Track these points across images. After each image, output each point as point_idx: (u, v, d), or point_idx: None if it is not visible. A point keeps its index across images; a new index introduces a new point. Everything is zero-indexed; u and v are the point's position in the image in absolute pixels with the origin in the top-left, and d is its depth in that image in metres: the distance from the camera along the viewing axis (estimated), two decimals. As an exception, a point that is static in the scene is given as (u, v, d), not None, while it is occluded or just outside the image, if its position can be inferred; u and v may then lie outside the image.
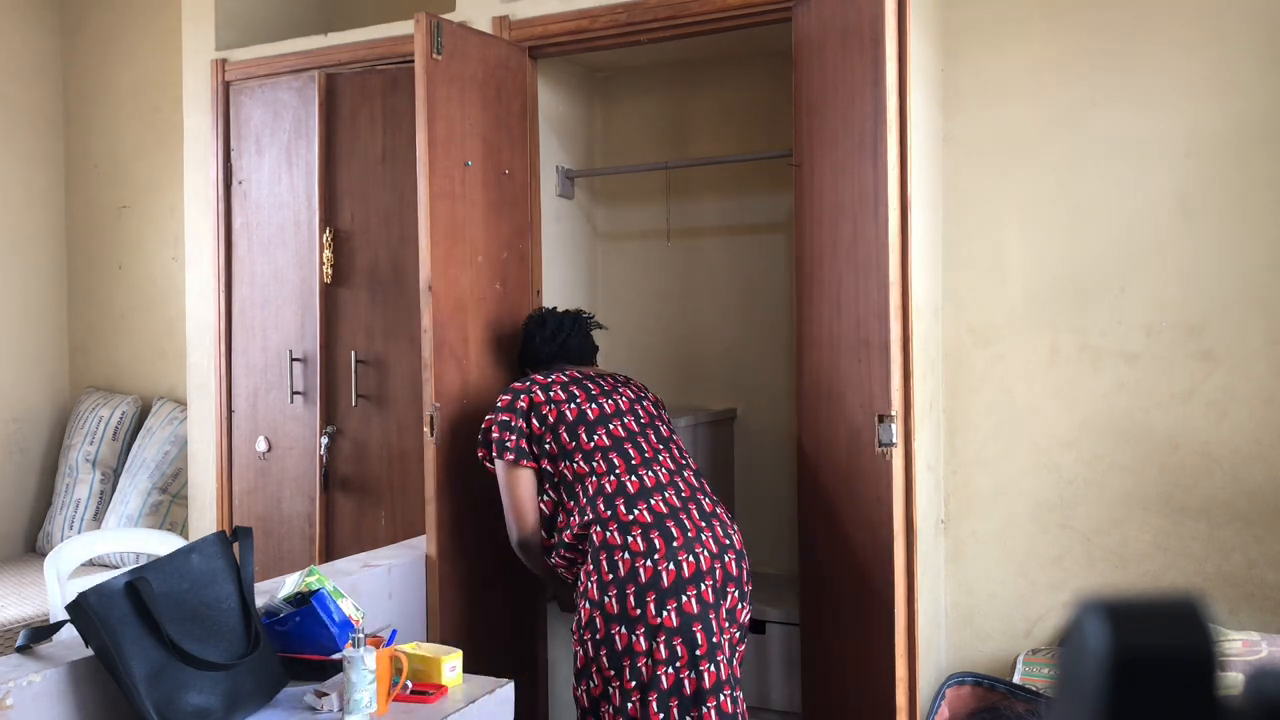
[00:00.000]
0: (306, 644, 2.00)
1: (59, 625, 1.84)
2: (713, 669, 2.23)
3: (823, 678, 2.63)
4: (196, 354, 3.69)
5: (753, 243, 3.43)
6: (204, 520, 3.65)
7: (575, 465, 2.44)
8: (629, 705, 2.23)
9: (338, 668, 1.97)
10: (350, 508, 3.35)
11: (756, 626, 2.88)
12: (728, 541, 2.37)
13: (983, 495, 2.76)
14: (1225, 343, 2.53)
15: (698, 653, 2.23)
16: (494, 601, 2.84)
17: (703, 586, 2.27)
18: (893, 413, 2.31)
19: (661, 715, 2.21)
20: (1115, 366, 2.63)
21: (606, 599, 2.27)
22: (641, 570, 2.26)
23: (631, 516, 2.33)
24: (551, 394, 2.52)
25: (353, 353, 3.34)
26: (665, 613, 2.23)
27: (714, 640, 2.25)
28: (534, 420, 2.50)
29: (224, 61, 3.60)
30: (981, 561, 2.77)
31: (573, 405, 2.51)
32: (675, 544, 2.29)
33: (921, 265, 2.53)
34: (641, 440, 2.50)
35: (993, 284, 2.75)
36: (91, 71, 4.50)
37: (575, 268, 3.47)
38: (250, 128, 3.57)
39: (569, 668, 2.36)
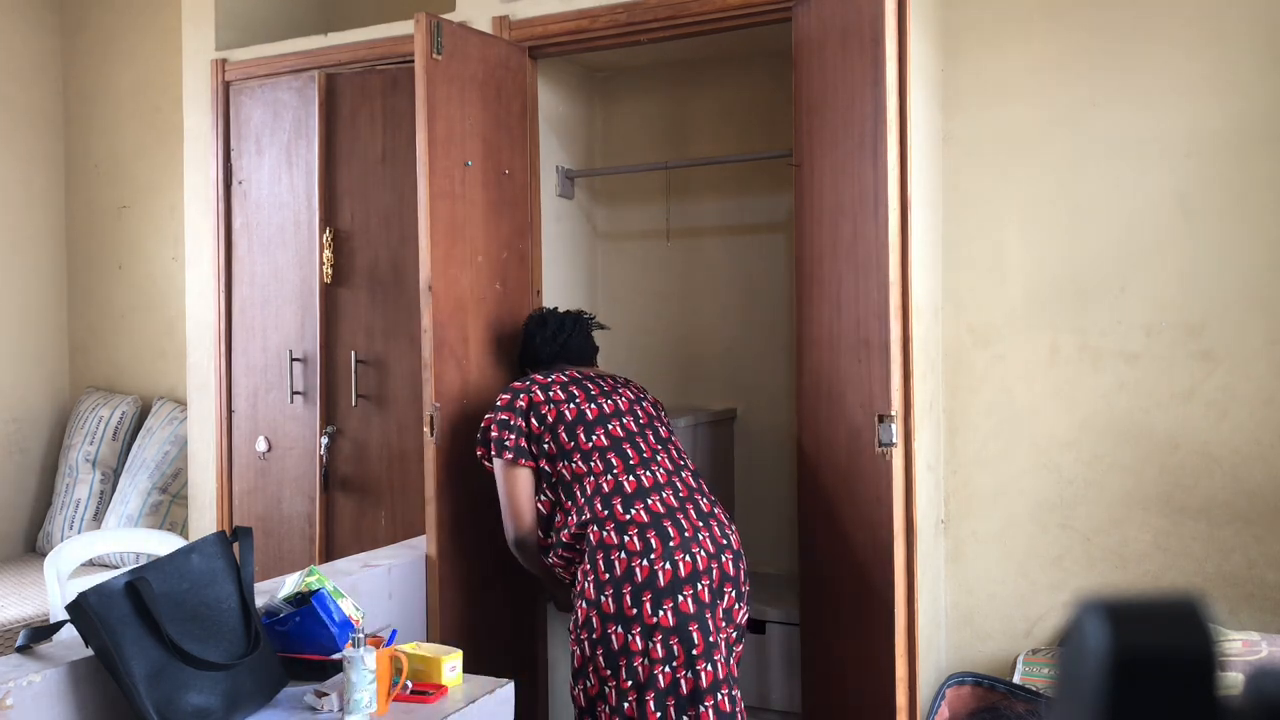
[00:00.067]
0: (306, 644, 2.00)
1: (59, 625, 1.84)
2: (710, 668, 2.23)
3: (823, 678, 2.63)
4: (196, 354, 3.69)
5: (753, 243, 3.43)
6: (204, 520, 3.65)
7: (573, 465, 2.44)
8: (625, 705, 2.23)
9: (338, 668, 1.97)
10: (350, 508, 3.35)
11: (756, 626, 2.88)
12: (725, 542, 2.37)
13: (983, 495, 2.76)
14: (1225, 343, 2.53)
15: (694, 652, 2.23)
16: (494, 601, 2.84)
17: (699, 586, 2.27)
18: (893, 413, 2.31)
19: (659, 714, 2.21)
20: (1115, 366, 2.63)
21: (603, 598, 2.27)
22: (638, 570, 2.26)
23: (628, 516, 2.33)
24: (551, 394, 2.53)
25: (353, 353, 3.34)
26: (661, 612, 2.23)
27: (710, 640, 2.25)
28: (533, 420, 2.50)
29: (224, 61, 3.60)
30: (981, 561, 2.77)
31: (572, 405, 2.51)
32: (672, 544, 2.29)
33: (921, 265, 2.53)
34: (640, 440, 2.50)
35: (993, 284, 2.75)
36: (91, 71, 4.50)
37: (575, 268, 3.47)
38: (250, 128, 3.57)
39: (568, 667, 2.36)
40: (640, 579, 2.26)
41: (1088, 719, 0.40)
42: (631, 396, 2.61)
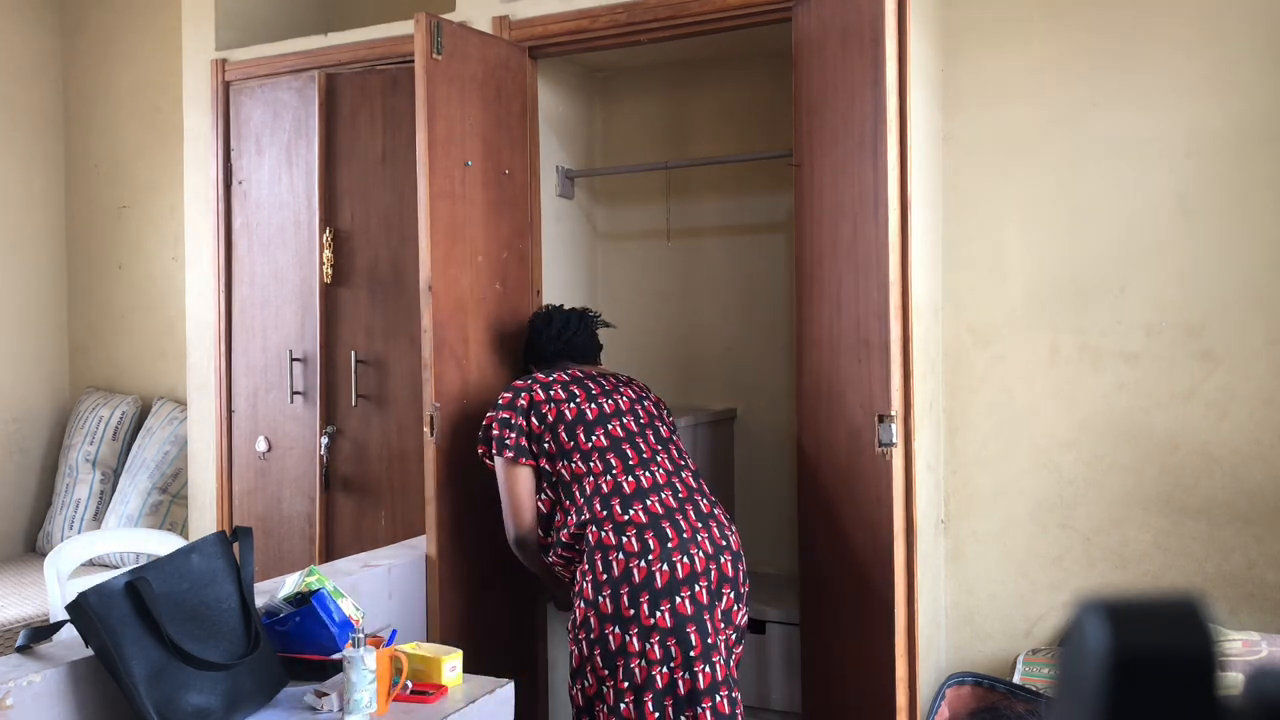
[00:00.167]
0: (306, 644, 2.00)
1: (59, 625, 1.84)
2: (707, 670, 2.23)
3: (823, 678, 2.63)
4: (196, 354, 3.69)
5: (753, 243, 3.43)
6: (204, 520, 3.65)
7: (573, 465, 2.44)
8: (622, 706, 2.23)
9: (338, 668, 1.97)
10: (350, 508, 3.35)
11: (756, 626, 2.88)
12: (724, 543, 2.36)
13: (983, 495, 2.76)
14: (1225, 343, 2.53)
15: (692, 654, 2.22)
16: (494, 601, 2.84)
17: (697, 588, 2.27)
18: (893, 413, 2.31)
19: (656, 715, 2.20)
20: (1115, 366, 2.63)
21: (601, 599, 2.27)
22: (635, 571, 2.26)
23: (627, 517, 2.33)
24: (552, 393, 2.52)
25: (353, 353, 3.34)
26: (659, 613, 2.23)
27: (708, 641, 2.25)
28: (534, 419, 2.50)
29: (224, 61, 3.60)
30: (981, 561, 2.77)
31: (572, 405, 2.51)
32: (670, 545, 2.29)
33: (921, 265, 2.53)
34: (640, 441, 2.50)
35: (993, 284, 2.75)
36: (91, 71, 4.50)
37: (575, 268, 3.47)
38: (250, 128, 3.57)
39: (568, 667, 2.36)
40: (638, 580, 2.25)
41: (1088, 719, 0.40)
42: (633, 396, 2.61)
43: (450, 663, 1.99)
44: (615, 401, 2.56)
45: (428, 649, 2.02)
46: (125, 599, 1.72)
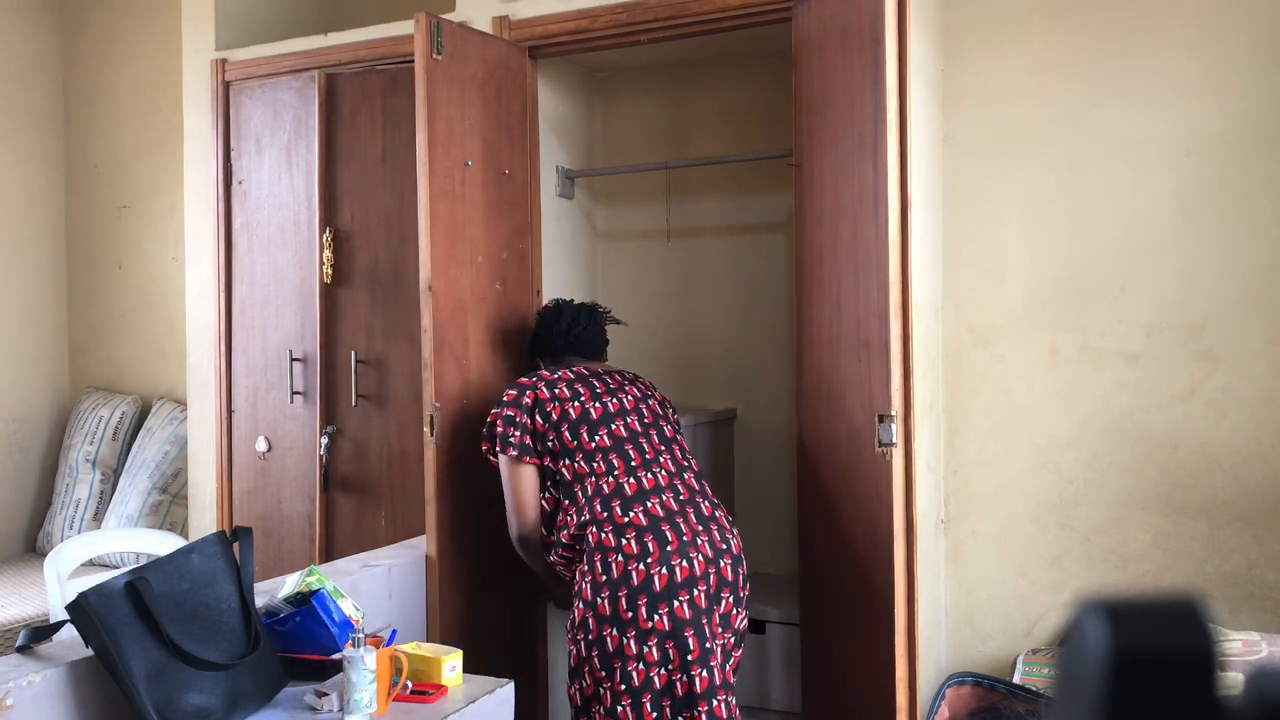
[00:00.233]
0: (306, 644, 2.00)
1: (59, 625, 1.84)
2: (705, 674, 2.22)
3: (823, 678, 2.63)
4: (196, 354, 3.69)
5: (753, 243, 3.43)
6: (204, 520, 3.65)
7: (575, 465, 2.44)
8: (620, 708, 2.22)
9: (338, 668, 1.97)
10: (350, 508, 3.35)
11: (756, 626, 2.88)
12: (724, 546, 2.35)
13: (983, 495, 2.76)
14: (1225, 343, 2.53)
15: (689, 657, 2.21)
16: (494, 601, 2.84)
17: (696, 591, 2.26)
18: (893, 413, 2.31)
19: (655, 715, 2.20)
20: (1115, 366, 2.63)
21: (599, 600, 2.26)
22: (634, 573, 2.25)
23: (627, 519, 2.32)
24: (556, 391, 2.51)
25: (353, 353, 3.34)
26: (657, 617, 2.22)
27: (706, 645, 2.24)
28: (538, 417, 2.49)
29: (224, 61, 3.60)
30: (981, 561, 2.77)
31: (576, 404, 2.49)
32: (669, 548, 2.28)
33: (921, 265, 2.53)
34: (643, 441, 2.49)
35: (993, 284, 2.75)
36: (91, 71, 4.50)
37: (575, 268, 3.47)
38: (250, 128, 3.57)
39: (567, 667, 2.36)
40: (636, 583, 2.25)
41: (1088, 719, 0.40)
42: (637, 394, 2.60)
43: (450, 663, 1.99)
44: (619, 400, 2.54)
45: (428, 649, 2.02)
46: (125, 599, 1.72)
